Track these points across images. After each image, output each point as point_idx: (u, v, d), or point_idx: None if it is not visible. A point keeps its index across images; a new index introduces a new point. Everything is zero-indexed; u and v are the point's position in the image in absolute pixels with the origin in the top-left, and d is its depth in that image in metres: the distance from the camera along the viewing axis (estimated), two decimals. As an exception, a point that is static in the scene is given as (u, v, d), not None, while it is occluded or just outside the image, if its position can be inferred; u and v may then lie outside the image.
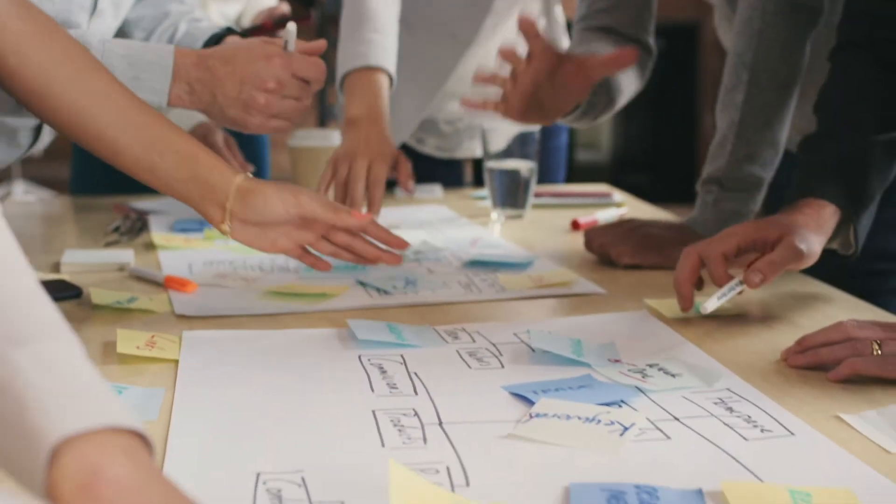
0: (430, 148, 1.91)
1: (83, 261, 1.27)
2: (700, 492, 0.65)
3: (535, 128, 1.66)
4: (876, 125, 1.10)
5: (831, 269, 1.17)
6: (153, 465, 0.50)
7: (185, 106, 1.13)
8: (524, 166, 1.62)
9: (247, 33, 1.78)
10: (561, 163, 2.03)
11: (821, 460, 0.71)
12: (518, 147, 1.63)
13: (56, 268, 1.27)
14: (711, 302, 1.02)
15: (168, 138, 1.03)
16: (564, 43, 1.84)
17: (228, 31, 1.35)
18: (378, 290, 1.17)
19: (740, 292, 1.04)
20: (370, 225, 1.09)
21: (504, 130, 1.75)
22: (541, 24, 1.80)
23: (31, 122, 1.29)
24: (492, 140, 1.63)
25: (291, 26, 1.22)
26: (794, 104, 1.27)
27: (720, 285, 1.03)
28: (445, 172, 1.95)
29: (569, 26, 1.65)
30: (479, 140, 1.63)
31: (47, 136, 1.36)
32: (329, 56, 4.44)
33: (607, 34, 1.39)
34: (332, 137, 1.74)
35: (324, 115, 4.75)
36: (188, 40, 1.38)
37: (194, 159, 1.03)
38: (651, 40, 1.42)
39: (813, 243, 1.04)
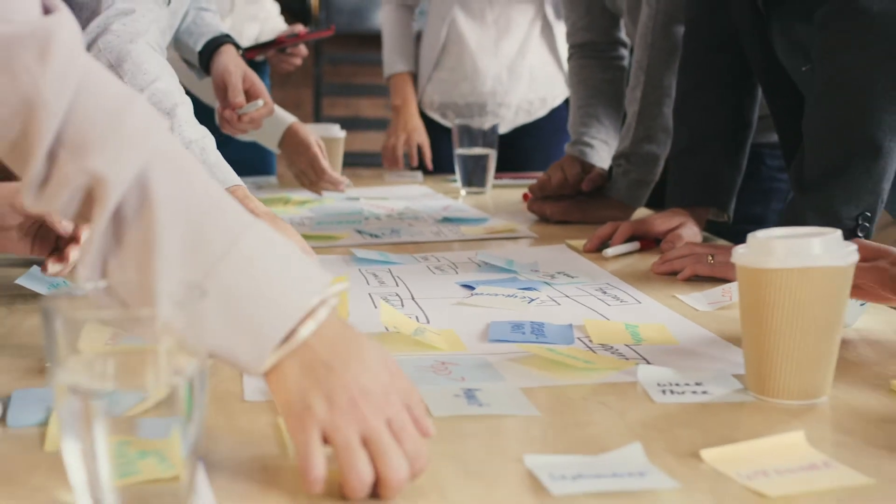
0: (450, 121, 2.45)
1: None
2: (570, 325, 1.07)
3: (496, 121, 2.11)
4: (727, 128, 1.51)
5: (715, 230, 1.60)
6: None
7: None
8: (484, 153, 2.05)
9: (257, 47, 2.21)
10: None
11: (652, 314, 1.13)
12: (481, 137, 2.05)
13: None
14: (612, 250, 1.44)
15: None
16: (560, 50, 2.43)
17: (226, 38, 1.73)
18: (371, 234, 1.59)
19: (634, 251, 1.46)
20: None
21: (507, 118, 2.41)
22: (536, 25, 2.31)
23: None
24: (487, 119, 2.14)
25: (259, 102, 1.65)
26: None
27: (615, 242, 1.45)
28: None
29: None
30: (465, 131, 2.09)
31: None
32: (323, 70, 4.84)
33: (591, 56, 1.94)
34: (333, 130, 2.15)
35: (319, 121, 5.17)
36: (192, 33, 1.74)
37: None
38: (622, 36, 1.94)
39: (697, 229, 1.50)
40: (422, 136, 2.42)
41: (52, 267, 1.09)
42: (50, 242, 1.10)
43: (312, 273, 0.68)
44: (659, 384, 0.87)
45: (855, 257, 0.83)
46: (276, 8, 2.43)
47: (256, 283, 0.65)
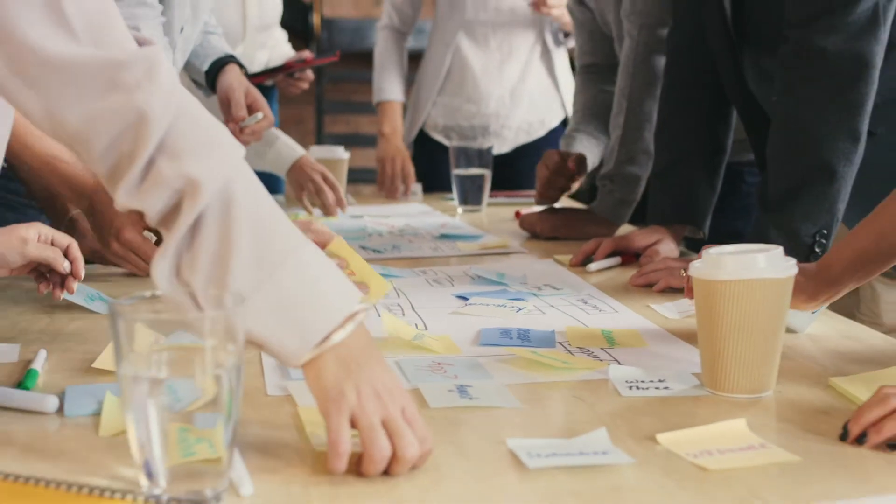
0: (454, 143, 2.54)
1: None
2: (553, 331, 1.20)
3: (490, 143, 2.25)
4: (703, 152, 1.64)
5: (692, 246, 1.73)
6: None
7: None
8: (480, 173, 2.18)
9: (267, 72, 2.35)
10: None
11: (627, 321, 1.26)
12: (477, 158, 2.19)
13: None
14: (595, 265, 1.58)
15: None
16: (563, 73, 2.59)
17: (231, 58, 1.88)
18: (374, 250, 1.72)
19: (615, 266, 1.60)
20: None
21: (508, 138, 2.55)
22: (536, 49, 2.44)
23: None
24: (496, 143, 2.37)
25: (259, 115, 1.80)
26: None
27: (598, 258, 1.59)
28: None
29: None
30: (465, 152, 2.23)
31: None
32: (324, 88, 4.97)
33: (594, 73, 2.12)
34: (338, 152, 2.29)
35: (320, 140, 5.31)
36: (199, 55, 1.90)
37: None
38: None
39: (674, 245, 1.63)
40: (410, 163, 2.55)
41: (60, 293, 1.22)
42: (30, 265, 1.22)
43: (349, 287, 0.82)
44: (627, 381, 1.00)
45: (794, 270, 0.96)
46: (284, 36, 2.58)
47: (308, 289, 0.78)
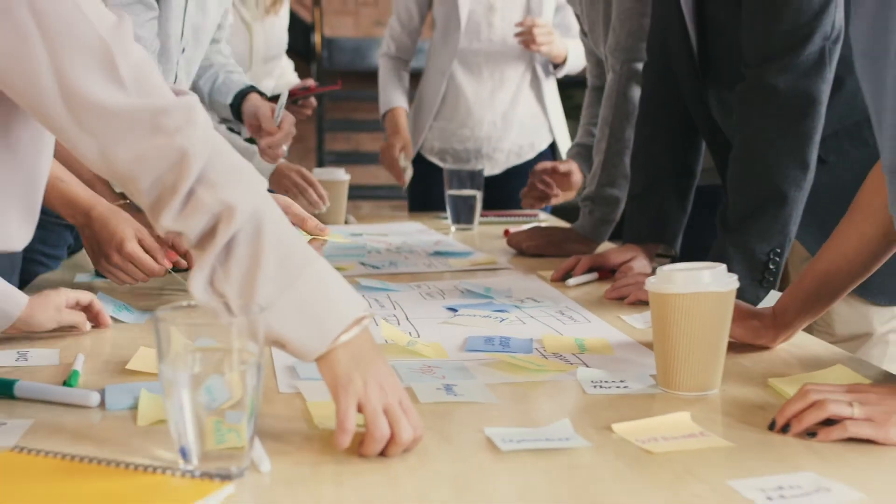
0: (449, 165, 2.70)
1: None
2: (531, 339, 1.34)
3: (483, 165, 2.40)
4: (674, 176, 1.80)
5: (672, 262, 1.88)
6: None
7: None
8: (472, 193, 2.34)
9: (271, 99, 2.51)
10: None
11: (598, 330, 1.41)
12: (469, 180, 2.34)
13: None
14: (574, 280, 1.73)
15: None
16: (552, 97, 2.78)
17: (251, 89, 2.07)
18: (373, 266, 1.87)
19: (593, 281, 1.75)
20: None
21: (500, 160, 2.73)
22: (526, 77, 2.61)
23: None
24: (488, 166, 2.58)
25: (283, 96, 1.97)
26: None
27: (577, 274, 1.74)
28: None
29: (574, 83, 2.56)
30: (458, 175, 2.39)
31: None
32: (325, 106, 5.13)
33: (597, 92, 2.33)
34: (338, 174, 2.44)
35: (321, 158, 5.47)
36: (222, 92, 2.10)
37: None
38: None
39: (647, 262, 1.78)
40: (400, 145, 2.69)
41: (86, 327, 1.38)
42: None
43: (355, 296, 0.96)
44: (592, 381, 1.15)
45: (735, 285, 1.11)
46: (291, 65, 2.74)
47: (323, 295, 0.93)
